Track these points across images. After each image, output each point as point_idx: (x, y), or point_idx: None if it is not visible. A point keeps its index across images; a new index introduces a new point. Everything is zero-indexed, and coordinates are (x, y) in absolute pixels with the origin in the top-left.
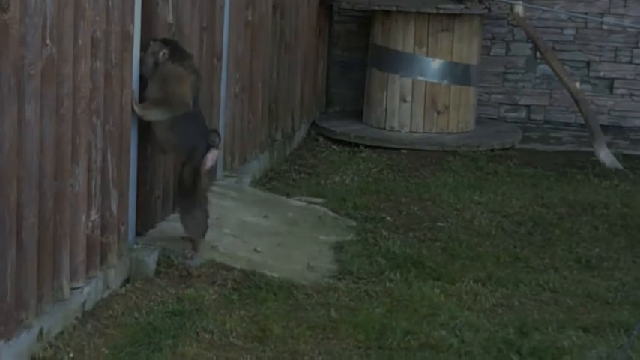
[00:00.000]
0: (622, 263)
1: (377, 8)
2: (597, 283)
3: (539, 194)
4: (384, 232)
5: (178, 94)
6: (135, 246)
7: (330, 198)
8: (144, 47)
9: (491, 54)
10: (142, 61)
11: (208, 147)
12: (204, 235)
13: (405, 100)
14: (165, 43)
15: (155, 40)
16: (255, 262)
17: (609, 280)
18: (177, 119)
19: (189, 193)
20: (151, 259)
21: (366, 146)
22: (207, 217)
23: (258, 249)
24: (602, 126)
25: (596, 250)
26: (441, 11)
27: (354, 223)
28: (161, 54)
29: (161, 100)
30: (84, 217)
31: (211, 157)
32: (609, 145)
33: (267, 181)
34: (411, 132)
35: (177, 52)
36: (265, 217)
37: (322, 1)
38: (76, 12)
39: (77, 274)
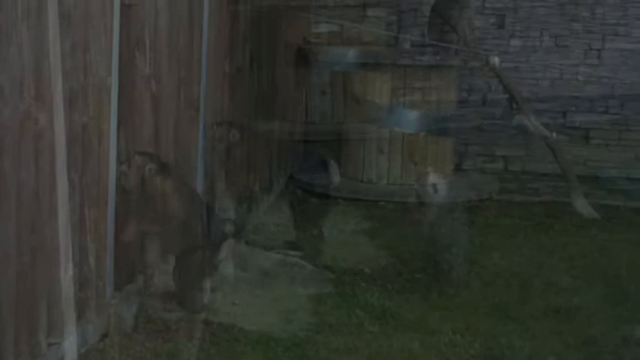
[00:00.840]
0: (600, 313)
1: (354, 60)
2: (576, 333)
3: (517, 245)
4: (363, 284)
5: (169, 209)
6: (113, 300)
7: (308, 251)
8: (124, 160)
9: (467, 105)
10: (124, 174)
11: (223, 237)
12: (201, 311)
13: (382, 152)
14: (151, 157)
15: (140, 153)
16: (234, 315)
17: (588, 330)
18: (179, 224)
19: (193, 273)
20: (129, 314)
21: (344, 199)
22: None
23: (237, 302)
24: (578, 176)
25: (575, 299)
26: (418, 63)
27: (332, 276)
28: (147, 169)
29: (152, 218)
30: (62, 271)
31: (225, 248)
32: (586, 195)
33: (246, 234)
34: (388, 184)
35: (161, 166)
36: (243, 270)
37: (299, 53)
38: (54, 65)
39: (55, 329)
